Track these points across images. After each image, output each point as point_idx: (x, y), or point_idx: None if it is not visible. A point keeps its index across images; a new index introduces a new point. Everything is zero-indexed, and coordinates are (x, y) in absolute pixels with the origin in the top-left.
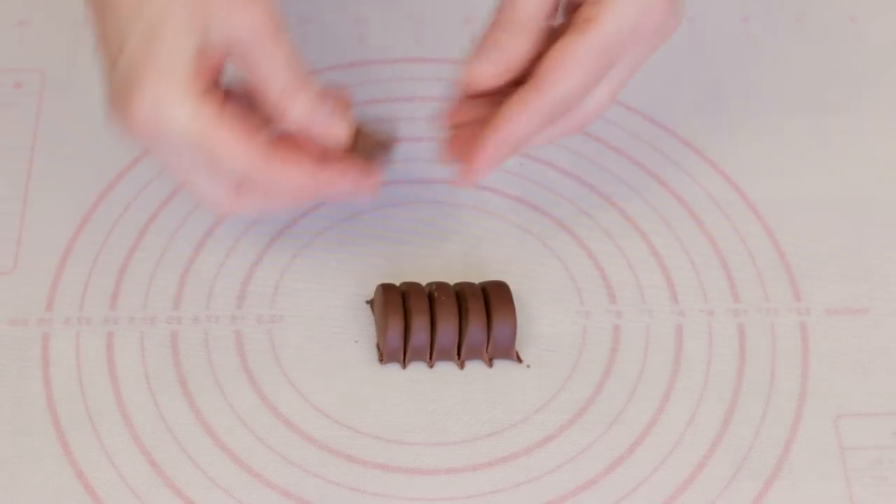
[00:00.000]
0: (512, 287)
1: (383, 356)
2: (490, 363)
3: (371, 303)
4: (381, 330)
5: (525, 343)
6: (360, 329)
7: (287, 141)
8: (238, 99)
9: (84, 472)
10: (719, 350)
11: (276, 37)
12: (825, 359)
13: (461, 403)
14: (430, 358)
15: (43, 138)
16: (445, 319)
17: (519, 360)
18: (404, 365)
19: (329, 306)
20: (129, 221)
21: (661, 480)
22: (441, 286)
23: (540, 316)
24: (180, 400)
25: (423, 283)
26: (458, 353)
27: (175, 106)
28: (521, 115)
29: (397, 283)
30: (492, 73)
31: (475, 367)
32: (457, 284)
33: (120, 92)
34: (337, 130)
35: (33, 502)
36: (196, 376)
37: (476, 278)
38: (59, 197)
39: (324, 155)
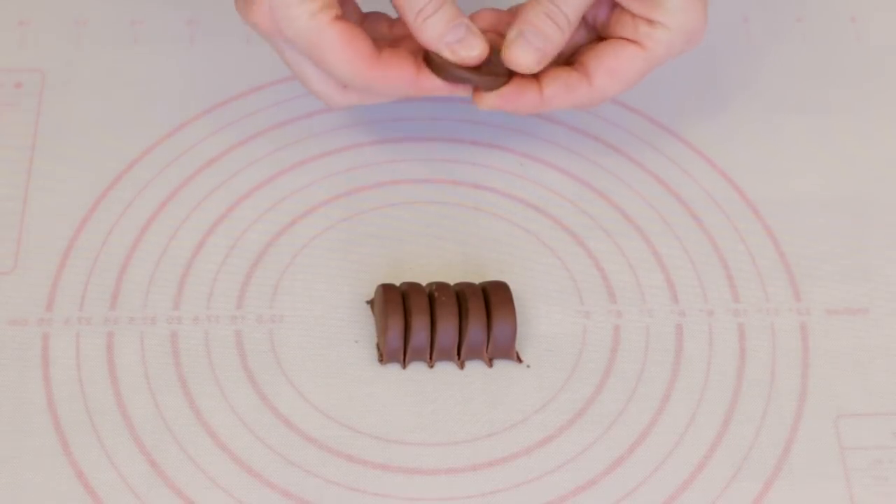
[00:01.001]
0: (512, 287)
1: (383, 356)
2: (490, 363)
3: (371, 303)
4: (381, 330)
5: (525, 343)
6: (360, 329)
7: (399, 44)
8: (377, 20)
9: (84, 472)
10: (719, 350)
11: None
12: (825, 359)
13: (461, 403)
14: (430, 358)
15: (43, 138)
16: (445, 319)
17: (519, 360)
18: (404, 365)
19: (329, 306)
20: (129, 221)
21: (661, 480)
22: (441, 286)
23: (540, 316)
24: (180, 400)
25: (423, 283)
26: (458, 353)
27: (294, 7)
28: (565, 100)
29: (397, 283)
30: (531, 64)
31: (475, 367)
32: (457, 284)
33: None
34: (469, 52)
35: (33, 502)
36: (196, 376)
37: (476, 278)
38: (59, 197)
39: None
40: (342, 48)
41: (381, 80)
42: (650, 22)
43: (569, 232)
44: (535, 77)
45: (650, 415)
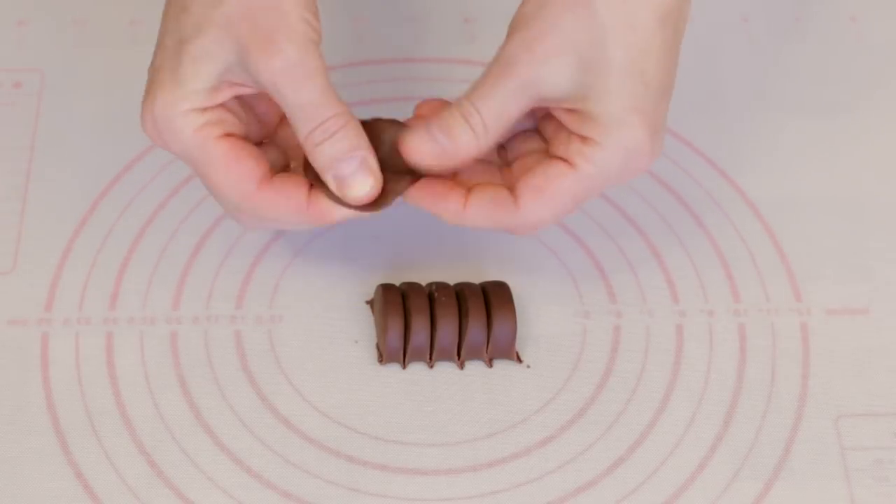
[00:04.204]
0: (512, 287)
1: (383, 356)
2: (490, 363)
3: (371, 303)
4: (381, 330)
5: (525, 343)
6: (360, 329)
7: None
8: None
9: (83, 472)
10: (719, 350)
11: (306, 82)
12: (825, 359)
13: (461, 403)
14: (430, 358)
15: (43, 138)
16: (445, 319)
17: (519, 360)
18: (404, 365)
19: (329, 306)
20: (129, 221)
21: (661, 481)
22: (441, 286)
23: (540, 316)
24: (180, 400)
25: (423, 283)
26: (458, 353)
27: (179, 119)
28: (488, 216)
29: (397, 283)
30: (425, 156)
31: (475, 367)
32: (457, 284)
33: (146, 89)
34: (355, 192)
35: (33, 502)
36: (196, 376)
37: (476, 278)
38: (59, 197)
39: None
40: (226, 167)
41: (267, 205)
42: (583, 139)
43: (569, 232)
44: (461, 184)
45: (650, 415)
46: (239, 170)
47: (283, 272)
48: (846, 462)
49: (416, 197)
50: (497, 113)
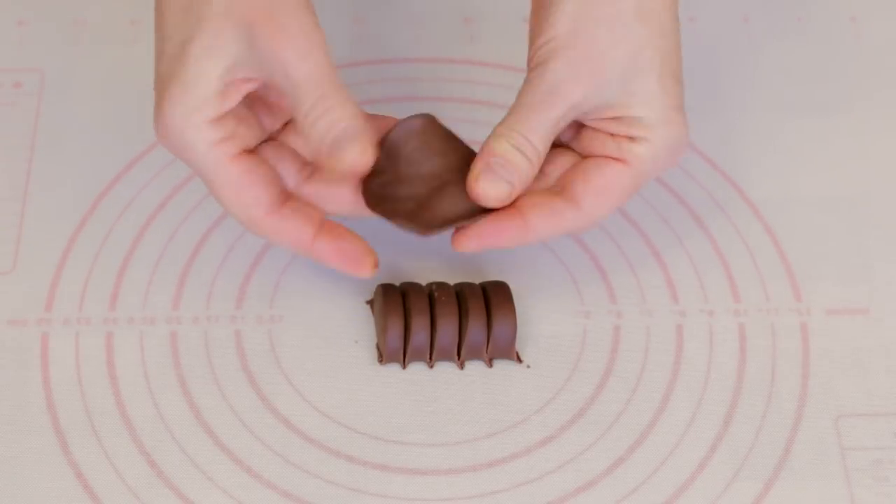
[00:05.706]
0: (512, 287)
1: (383, 356)
2: (490, 363)
3: (371, 303)
4: (381, 330)
5: (525, 343)
6: (360, 329)
7: (300, 198)
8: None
9: (83, 472)
10: (719, 350)
11: (309, 54)
12: (825, 359)
13: (461, 403)
14: (430, 358)
15: (42, 138)
16: (445, 319)
17: (519, 360)
18: (404, 365)
19: (329, 306)
20: (129, 221)
21: (661, 481)
22: (441, 286)
23: (540, 316)
24: (180, 400)
25: (423, 283)
26: (458, 353)
27: (192, 133)
28: (553, 227)
29: (397, 283)
30: (502, 196)
31: (475, 367)
32: (457, 284)
33: (155, 100)
34: (349, 156)
35: (33, 502)
36: (196, 376)
37: (476, 278)
38: (59, 197)
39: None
40: (237, 191)
41: (272, 234)
42: (631, 139)
43: None
44: (516, 207)
45: (650, 415)
46: (249, 195)
47: (283, 272)
48: (846, 462)
49: (474, 244)
50: (547, 138)
